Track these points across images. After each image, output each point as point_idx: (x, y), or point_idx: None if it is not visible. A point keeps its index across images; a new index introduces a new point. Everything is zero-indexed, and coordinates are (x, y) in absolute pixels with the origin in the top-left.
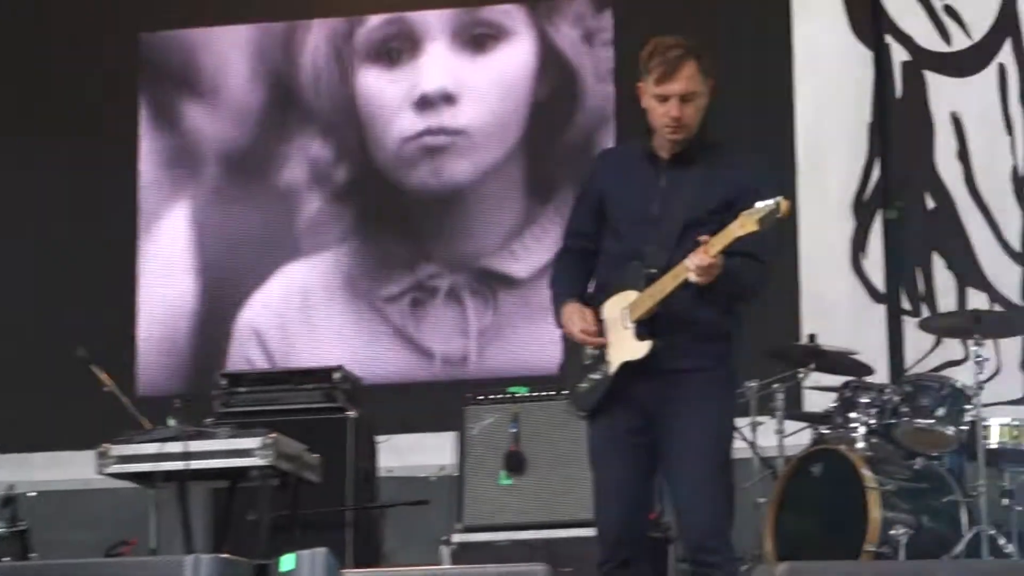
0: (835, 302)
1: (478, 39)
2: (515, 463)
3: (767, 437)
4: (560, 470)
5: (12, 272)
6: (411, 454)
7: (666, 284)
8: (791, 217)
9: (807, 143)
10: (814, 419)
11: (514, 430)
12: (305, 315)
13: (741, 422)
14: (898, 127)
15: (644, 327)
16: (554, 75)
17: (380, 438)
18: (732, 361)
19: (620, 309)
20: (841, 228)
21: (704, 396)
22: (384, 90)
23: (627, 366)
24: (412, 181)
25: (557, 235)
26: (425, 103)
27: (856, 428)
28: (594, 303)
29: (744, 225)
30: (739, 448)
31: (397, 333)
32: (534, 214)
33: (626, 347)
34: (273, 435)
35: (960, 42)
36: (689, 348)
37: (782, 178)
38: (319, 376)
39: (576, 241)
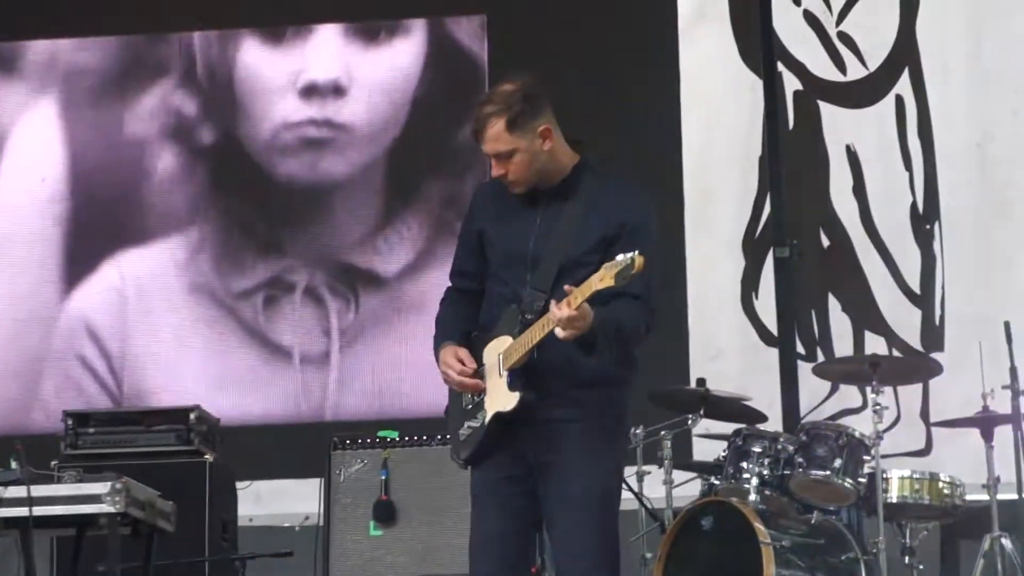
0: (725, 345)
1: (372, 28)
2: (385, 512)
3: (654, 487)
4: (434, 520)
5: None
6: (274, 502)
7: (535, 333)
8: (678, 253)
9: (695, 174)
10: (704, 469)
11: (384, 477)
12: (144, 307)
13: (627, 471)
14: (790, 160)
15: (518, 376)
16: (446, 72)
17: (240, 484)
18: (619, 409)
19: (497, 355)
20: (731, 266)
21: (584, 448)
22: (266, 67)
23: (499, 417)
24: (281, 170)
25: (420, 236)
26: (312, 91)
27: (748, 479)
28: (478, 345)
29: (603, 278)
30: (625, 499)
31: (249, 331)
32: (395, 213)
33: (499, 396)
34: (123, 480)
35: (855, 71)
36: (568, 397)
37: (665, 208)
38: (173, 416)
39: (460, 281)
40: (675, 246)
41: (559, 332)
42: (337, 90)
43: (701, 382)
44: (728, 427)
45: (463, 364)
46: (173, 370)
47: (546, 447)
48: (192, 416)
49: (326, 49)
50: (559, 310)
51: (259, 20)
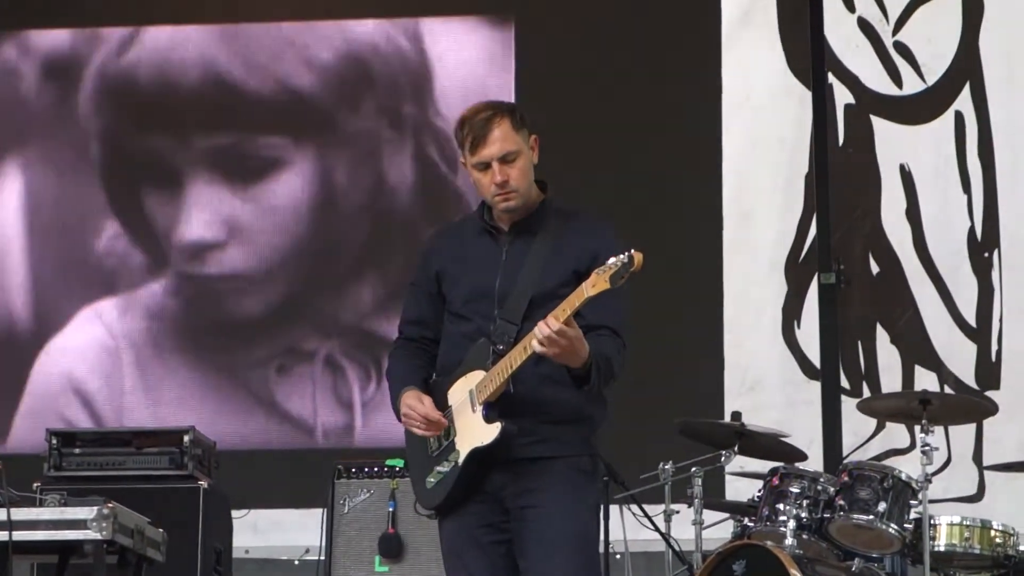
0: (763, 376)
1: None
2: (392, 547)
3: (683, 528)
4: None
5: None
6: (272, 532)
7: (514, 358)
8: (715, 277)
9: (735, 192)
10: (737, 509)
11: (392, 508)
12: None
13: (654, 510)
14: (839, 179)
15: (494, 409)
16: None
17: (236, 512)
18: (592, 449)
19: (467, 391)
20: (772, 292)
21: (564, 487)
22: None
23: (477, 454)
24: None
25: None
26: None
27: (785, 521)
28: (437, 390)
29: (596, 284)
30: (651, 540)
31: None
32: None
33: (475, 432)
34: (111, 505)
35: (912, 85)
36: (546, 433)
37: (702, 228)
38: (166, 438)
39: (414, 330)
40: (712, 269)
41: (539, 348)
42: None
43: (736, 416)
44: (764, 465)
45: (426, 407)
46: None
47: (521, 488)
48: (186, 438)
49: None
50: (542, 323)
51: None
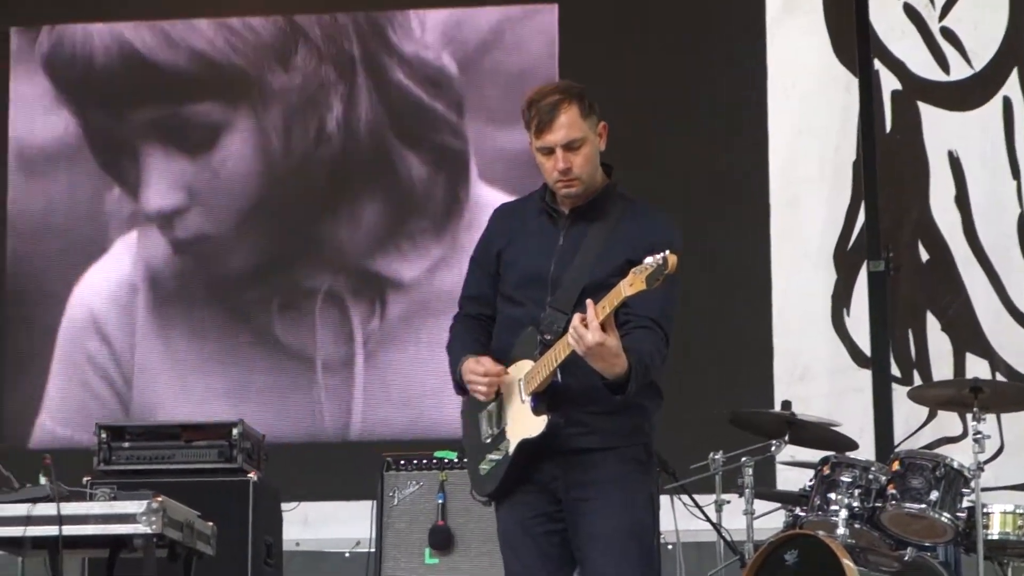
0: (813, 365)
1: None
2: (442, 539)
3: (734, 518)
4: (493, 549)
5: None
6: (322, 525)
7: (558, 352)
8: (763, 266)
9: (782, 180)
10: (788, 499)
11: (441, 501)
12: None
13: (704, 500)
14: (887, 166)
15: (542, 400)
16: None
17: (286, 506)
18: (647, 439)
19: (516, 381)
20: (821, 281)
21: (617, 479)
22: None
23: (525, 445)
24: None
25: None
26: None
27: (836, 511)
28: None
29: (633, 283)
30: (702, 530)
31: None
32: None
33: (523, 423)
34: (160, 498)
35: (960, 71)
36: (595, 424)
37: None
38: (215, 431)
39: (471, 306)
40: (760, 258)
41: (573, 345)
42: None
43: (786, 405)
44: (815, 454)
45: (486, 364)
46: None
47: (574, 480)
48: (235, 431)
49: None
50: (590, 334)
51: None
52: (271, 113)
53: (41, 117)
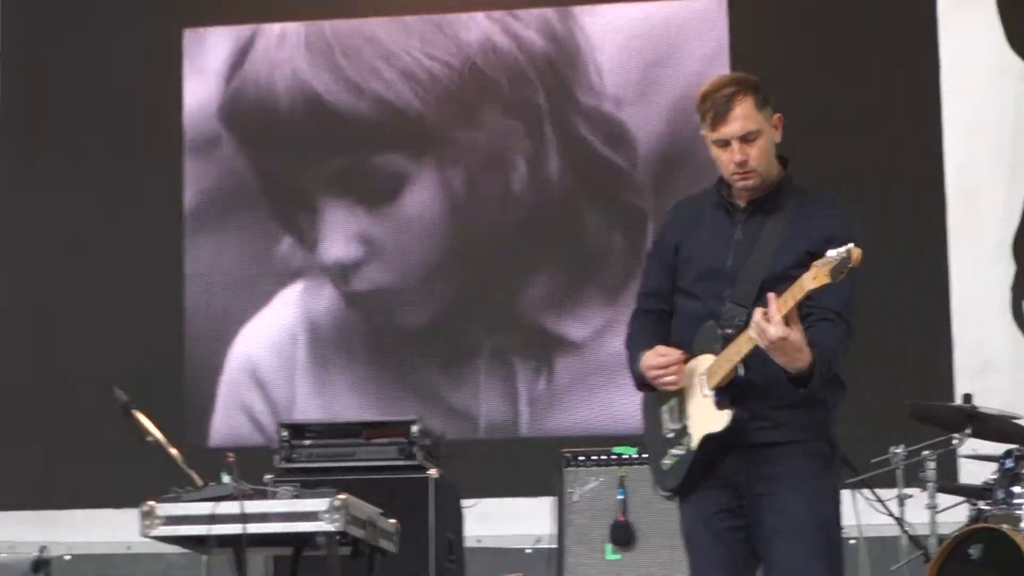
0: (994, 358)
1: None
2: (623, 535)
3: (917, 512)
4: (675, 544)
5: (50, 310)
6: (503, 522)
7: (741, 345)
8: (941, 258)
9: (958, 172)
10: (971, 493)
11: (621, 497)
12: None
13: (886, 495)
14: None
15: (725, 395)
16: None
17: (467, 502)
18: (830, 433)
19: (697, 376)
20: (1000, 272)
21: (800, 473)
22: None
23: (709, 440)
24: None
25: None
26: None
27: (1021, 504)
28: None
29: (816, 277)
30: (884, 525)
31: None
32: None
33: (706, 418)
34: (342, 496)
35: None
36: (779, 418)
37: (925, 208)
38: (394, 429)
39: (649, 302)
40: (938, 251)
41: (755, 338)
42: None
43: (967, 398)
44: (997, 448)
45: (667, 354)
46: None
47: (757, 474)
48: (414, 428)
49: None
50: (772, 328)
51: None
52: (455, 165)
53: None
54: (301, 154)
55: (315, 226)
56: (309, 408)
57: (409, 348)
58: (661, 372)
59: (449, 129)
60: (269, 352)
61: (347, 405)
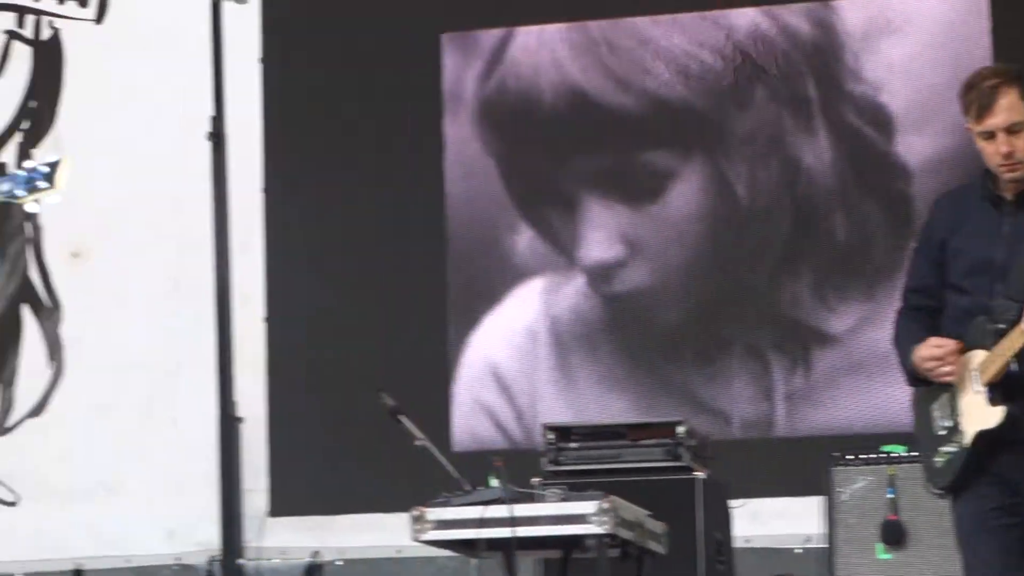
0: None
1: None
2: (894, 534)
3: None
4: (948, 543)
5: (318, 317)
6: (771, 522)
7: (1014, 341)
8: None
9: None
10: None
11: (891, 496)
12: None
13: None
14: None
15: (998, 391)
16: None
17: (734, 503)
18: None
19: (969, 371)
20: None
21: None
22: None
23: (983, 437)
24: None
25: None
26: None
27: None
28: None
29: None
30: None
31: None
32: None
33: (979, 414)
34: (611, 498)
35: None
36: None
37: None
38: (659, 430)
39: (916, 298)
40: None
41: None
42: None
43: None
44: None
45: (940, 345)
46: None
47: None
48: (680, 430)
49: None
50: None
51: None
52: (725, 158)
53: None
54: (562, 152)
55: (571, 224)
56: (555, 408)
57: (660, 346)
58: (937, 363)
59: (720, 122)
60: (510, 352)
61: (594, 405)
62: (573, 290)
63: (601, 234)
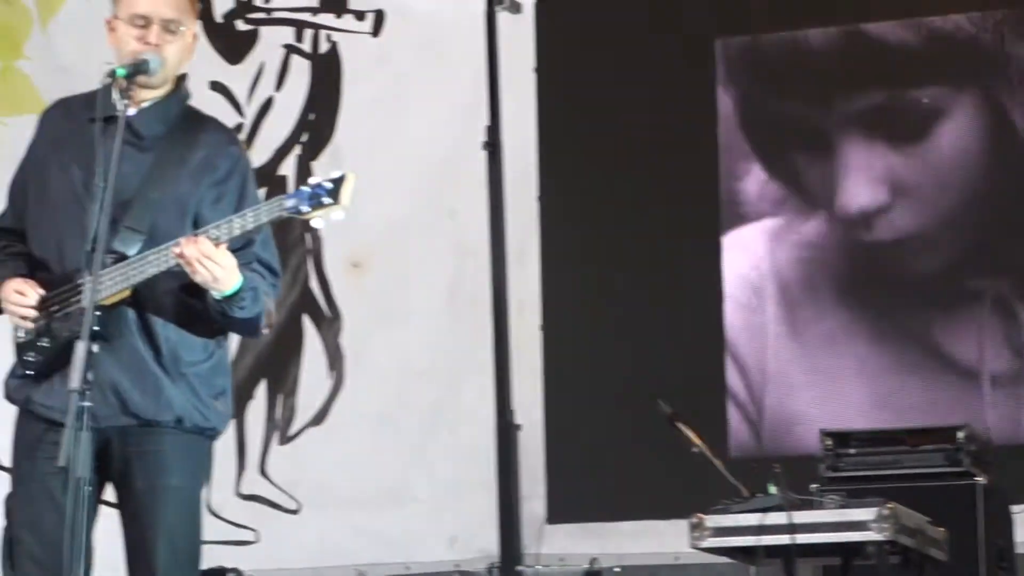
0: None
1: None
2: None
3: None
4: None
5: (590, 320)
6: None
7: None
8: None
9: None
10: None
11: None
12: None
13: None
14: None
15: None
16: None
17: (1016, 508)
18: None
19: None
20: None
21: None
22: None
23: None
24: None
25: None
26: None
27: None
28: None
29: None
30: None
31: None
32: None
33: None
34: (890, 505)
35: None
36: None
37: None
38: (939, 435)
39: None
40: None
41: None
42: None
43: None
44: None
45: None
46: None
47: None
48: (960, 435)
49: None
50: None
51: None
52: (1007, 90)
53: None
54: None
55: (827, 167)
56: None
57: (913, 299)
58: None
59: (999, 52)
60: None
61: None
62: (799, 239)
63: (862, 177)
